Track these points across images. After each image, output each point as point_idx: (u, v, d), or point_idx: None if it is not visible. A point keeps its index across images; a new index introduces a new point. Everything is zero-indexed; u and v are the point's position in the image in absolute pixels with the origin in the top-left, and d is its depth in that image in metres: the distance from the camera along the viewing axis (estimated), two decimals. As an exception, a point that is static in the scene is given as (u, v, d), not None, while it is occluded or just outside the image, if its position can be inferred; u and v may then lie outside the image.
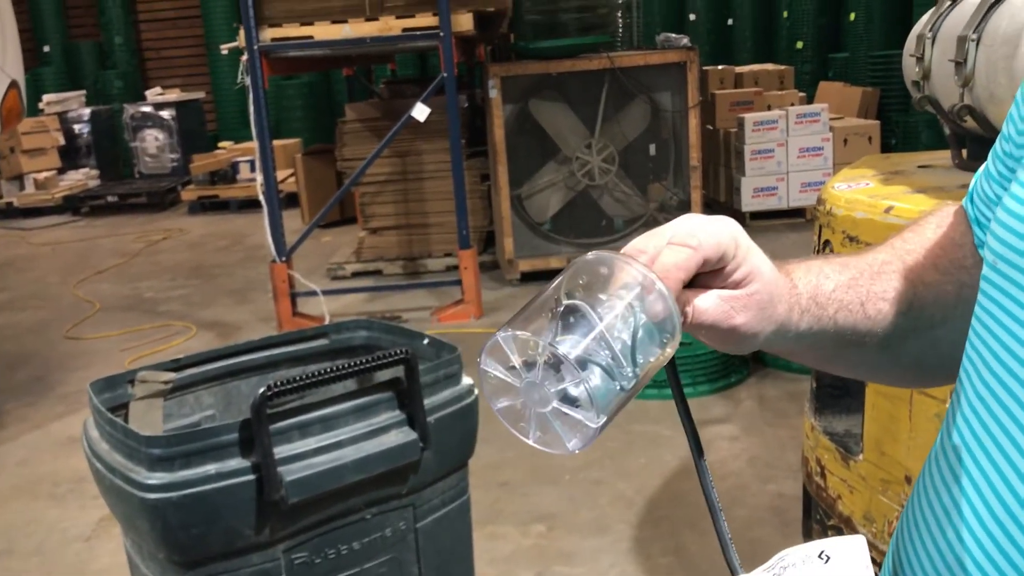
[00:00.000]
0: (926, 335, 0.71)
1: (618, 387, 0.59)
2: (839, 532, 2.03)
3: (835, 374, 0.78)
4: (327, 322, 4.87)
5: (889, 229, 1.74)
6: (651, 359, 0.61)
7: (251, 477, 1.42)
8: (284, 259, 4.96)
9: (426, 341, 1.78)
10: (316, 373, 1.49)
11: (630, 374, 0.59)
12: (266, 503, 1.42)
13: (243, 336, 5.04)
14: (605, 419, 0.59)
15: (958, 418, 0.60)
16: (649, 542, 2.89)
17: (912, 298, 0.71)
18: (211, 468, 1.41)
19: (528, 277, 5.70)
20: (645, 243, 0.65)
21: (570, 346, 0.57)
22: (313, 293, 5.01)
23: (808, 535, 2.22)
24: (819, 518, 2.14)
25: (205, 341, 5.00)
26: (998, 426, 0.55)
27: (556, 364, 0.58)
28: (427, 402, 1.58)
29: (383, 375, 1.63)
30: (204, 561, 1.43)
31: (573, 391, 0.58)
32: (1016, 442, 0.53)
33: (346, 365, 1.54)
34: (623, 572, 2.75)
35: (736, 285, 0.64)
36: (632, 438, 3.42)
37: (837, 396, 2.06)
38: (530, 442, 0.60)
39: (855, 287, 0.70)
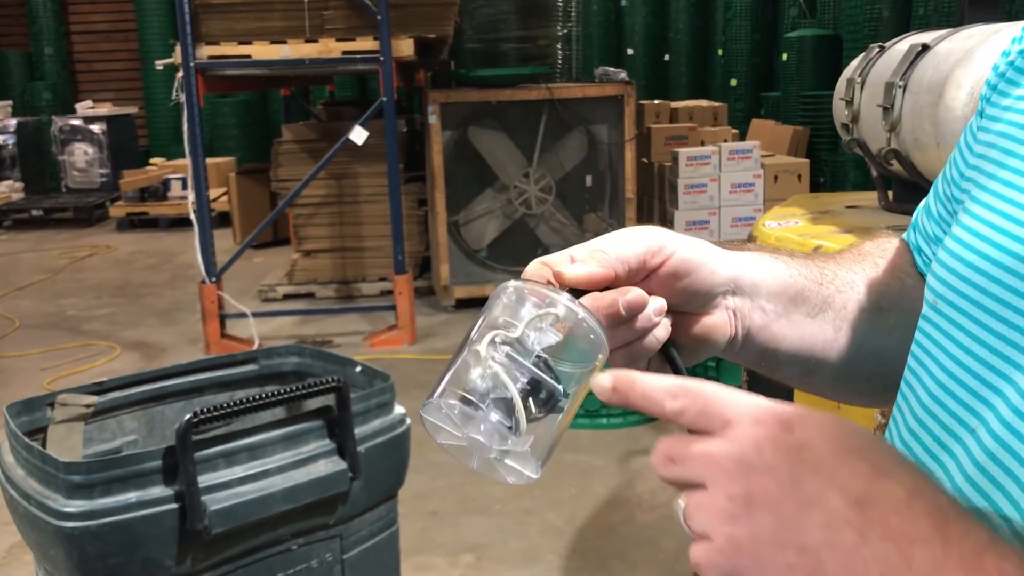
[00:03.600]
0: (879, 319, 0.71)
1: (555, 428, 0.59)
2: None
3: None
4: (256, 345, 4.80)
5: (818, 268, 1.79)
6: (582, 379, 0.60)
7: (173, 506, 1.38)
8: (214, 280, 4.87)
9: (359, 369, 1.76)
10: (244, 400, 1.46)
11: (564, 405, 0.59)
12: (188, 533, 1.38)
13: (169, 358, 4.92)
14: (543, 462, 0.59)
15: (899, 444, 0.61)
16: (578, 573, 2.88)
17: (858, 281, 0.72)
18: (132, 496, 1.37)
19: (463, 303, 5.69)
20: (551, 258, 0.65)
21: (498, 415, 0.57)
22: (243, 315, 4.93)
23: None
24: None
25: (129, 362, 4.87)
26: (925, 467, 0.56)
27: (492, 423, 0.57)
28: (358, 431, 1.56)
29: (313, 403, 1.61)
30: (121, 593, 1.38)
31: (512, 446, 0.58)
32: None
33: (275, 392, 1.51)
34: (551, 603, 2.74)
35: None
36: (563, 468, 3.42)
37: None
38: (473, 467, 0.60)
39: (794, 258, 0.72)
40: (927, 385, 0.59)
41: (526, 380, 0.58)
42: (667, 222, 6.79)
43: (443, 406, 0.57)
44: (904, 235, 0.79)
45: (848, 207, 2.19)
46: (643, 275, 0.64)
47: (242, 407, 1.47)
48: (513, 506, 3.23)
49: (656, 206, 7.06)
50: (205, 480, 1.41)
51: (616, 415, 3.72)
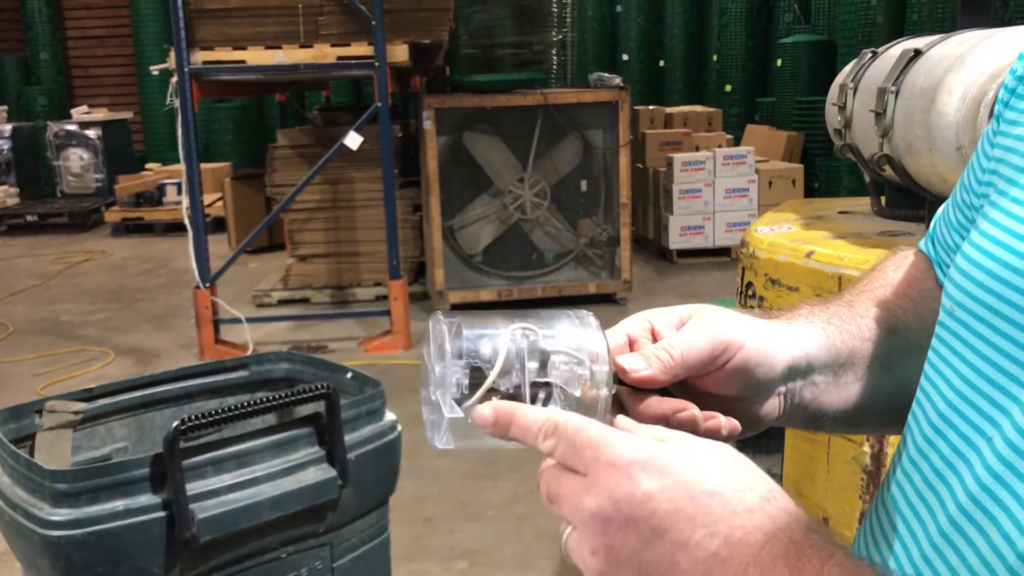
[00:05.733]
0: (918, 357, 0.69)
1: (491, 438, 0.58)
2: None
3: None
4: (251, 350, 4.78)
5: (810, 273, 1.78)
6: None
7: (161, 514, 1.37)
8: (208, 285, 4.86)
9: (349, 375, 1.75)
10: (232, 407, 1.45)
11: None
12: (176, 541, 1.37)
13: (163, 363, 4.91)
14: (456, 443, 0.58)
15: (899, 470, 0.60)
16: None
17: (894, 320, 0.70)
18: (119, 504, 1.36)
19: (458, 308, 5.67)
20: (640, 325, 0.63)
21: (464, 379, 0.57)
22: (237, 320, 4.92)
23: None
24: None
25: (123, 367, 4.86)
26: (940, 475, 0.55)
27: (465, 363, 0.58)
28: (348, 438, 1.55)
29: (303, 410, 1.60)
30: (108, 602, 1.37)
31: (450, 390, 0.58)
32: (955, 499, 0.53)
33: (264, 399, 1.50)
34: (545, 610, 2.73)
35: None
36: (557, 474, 3.41)
37: (758, 437, 2.08)
38: (420, 393, 0.59)
39: (838, 315, 0.70)
40: (944, 393, 0.58)
41: (512, 385, 0.58)
42: (662, 227, 6.79)
43: (443, 331, 0.58)
44: (921, 244, 0.77)
45: (841, 212, 2.19)
46: (708, 371, 0.61)
47: (230, 414, 1.46)
48: (507, 512, 3.22)
49: (651, 211, 7.07)
50: (193, 488, 1.40)
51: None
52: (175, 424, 1.39)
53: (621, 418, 0.55)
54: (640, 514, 0.47)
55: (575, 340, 0.60)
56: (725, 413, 0.61)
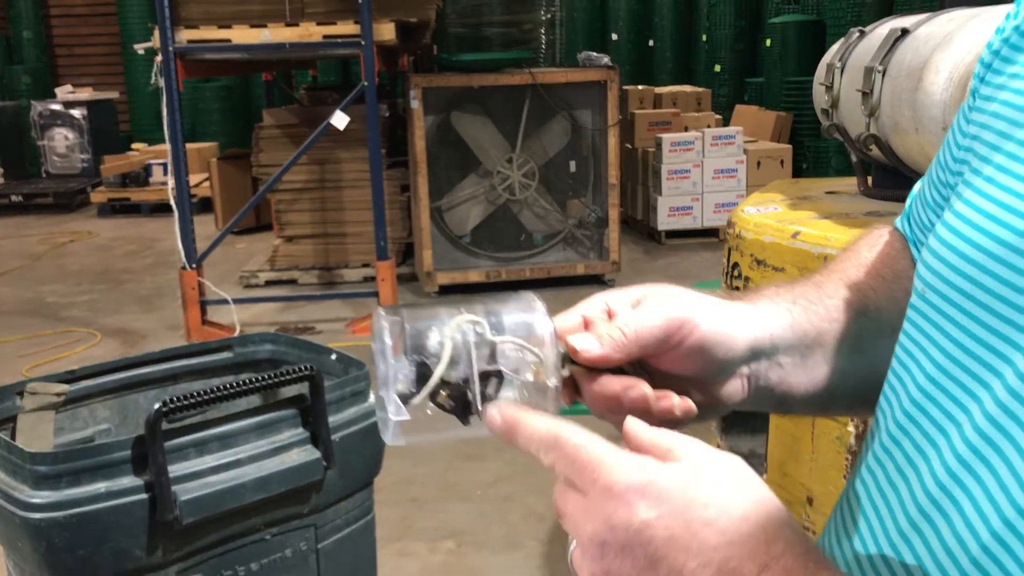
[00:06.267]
0: (889, 339, 0.68)
1: (447, 431, 0.58)
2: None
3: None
4: (238, 331, 4.77)
5: (796, 254, 1.78)
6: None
7: (143, 496, 1.36)
8: (194, 266, 4.84)
9: (334, 357, 1.74)
10: (215, 389, 1.44)
11: (473, 423, 0.58)
12: (159, 523, 1.36)
13: (149, 344, 4.89)
14: (408, 439, 0.58)
15: (870, 456, 0.59)
16: (559, 559, 2.88)
17: (865, 301, 0.69)
18: (101, 487, 1.35)
19: (447, 290, 5.67)
20: (594, 307, 0.62)
21: (411, 375, 0.57)
22: (224, 302, 4.90)
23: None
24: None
25: (110, 349, 4.84)
26: (910, 461, 0.54)
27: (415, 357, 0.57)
28: (332, 420, 1.54)
29: (287, 391, 1.59)
30: (91, 585, 1.36)
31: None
32: (923, 486, 0.53)
33: (247, 381, 1.49)
34: (532, 589, 2.74)
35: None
36: (544, 454, 3.41)
37: (743, 416, 2.08)
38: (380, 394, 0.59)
39: (804, 295, 0.69)
40: (916, 378, 0.57)
41: (461, 377, 0.57)
42: (650, 207, 6.79)
43: (384, 327, 0.57)
44: (896, 222, 0.76)
45: (827, 192, 2.18)
46: (663, 350, 0.61)
47: (212, 396, 1.45)
48: (494, 492, 3.22)
49: (640, 192, 7.06)
50: (176, 470, 1.39)
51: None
52: (156, 406, 1.38)
53: (630, 421, 0.53)
54: (636, 541, 0.47)
55: (522, 325, 0.59)
56: (685, 394, 0.60)
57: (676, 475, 0.48)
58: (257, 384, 1.50)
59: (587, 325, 0.62)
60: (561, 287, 5.76)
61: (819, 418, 1.74)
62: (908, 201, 0.75)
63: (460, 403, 0.57)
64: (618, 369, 0.60)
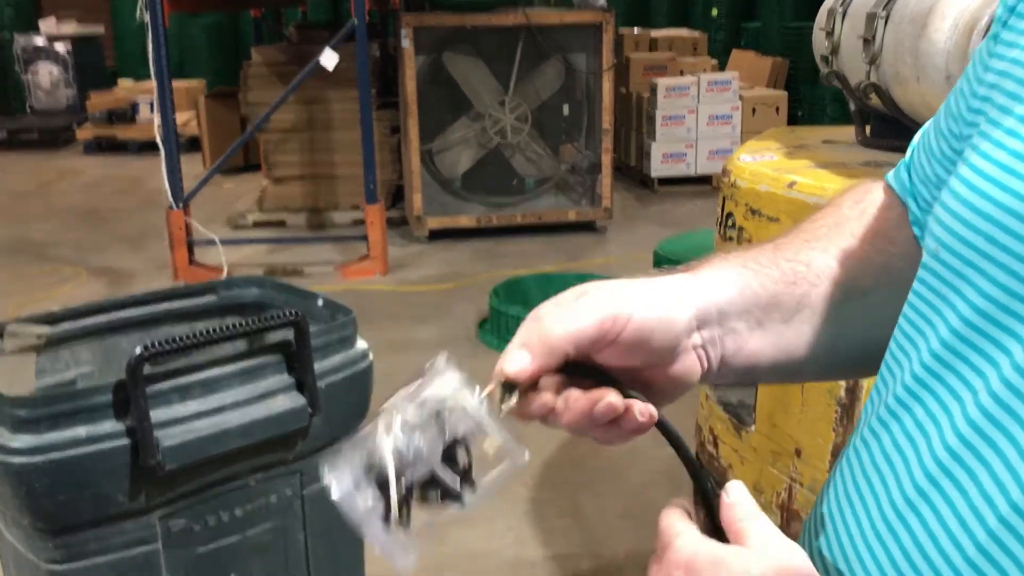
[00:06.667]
0: (860, 304, 0.66)
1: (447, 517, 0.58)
2: (729, 501, 2.05)
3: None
4: (225, 273, 4.73)
5: (791, 204, 1.75)
6: (499, 478, 0.59)
7: (125, 442, 1.34)
8: (181, 205, 4.78)
9: (320, 302, 1.71)
10: (198, 334, 1.41)
11: (467, 500, 0.57)
12: (141, 469, 1.35)
13: (137, 284, 4.85)
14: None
15: (874, 422, 0.56)
16: (546, 504, 2.89)
17: (834, 266, 0.66)
18: (81, 431, 1.33)
19: (437, 235, 5.63)
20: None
21: (374, 500, 0.56)
22: (212, 242, 4.85)
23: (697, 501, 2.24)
24: (710, 486, 2.16)
25: (96, 288, 4.80)
26: (920, 427, 0.52)
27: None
28: (318, 366, 1.52)
29: (273, 337, 1.56)
30: (72, 529, 1.35)
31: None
32: (933, 454, 0.50)
33: (232, 326, 1.47)
34: (519, 534, 2.76)
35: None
36: (533, 400, 3.41)
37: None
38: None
39: (757, 259, 0.66)
40: (930, 342, 0.54)
41: (424, 472, 0.56)
42: (644, 153, 6.73)
43: (333, 473, 0.57)
44: (890, 176, 0.72)
45: (824, 141, 2.15)
46: (601, 347, 0.59)
47: (196, 341, 1.42)
48: (482, 438, 3.22)
49: (633, 138, 6.99)
50: (158, 415, 1.37)
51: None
52: (138, 350, 1.35)
53: (734, 493, 0.56)
54: None
55: (444, 396, 0.58)
56: (641, 382, 0.60)
57: (713, 553, 0.53)
58: (242, 329, 1.48)
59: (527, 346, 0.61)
60: (553, 234, 5.73)
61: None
62: (909, 153, 0.71)
63: (446, 495, 0.57)
64: (576, 372, 0.59)
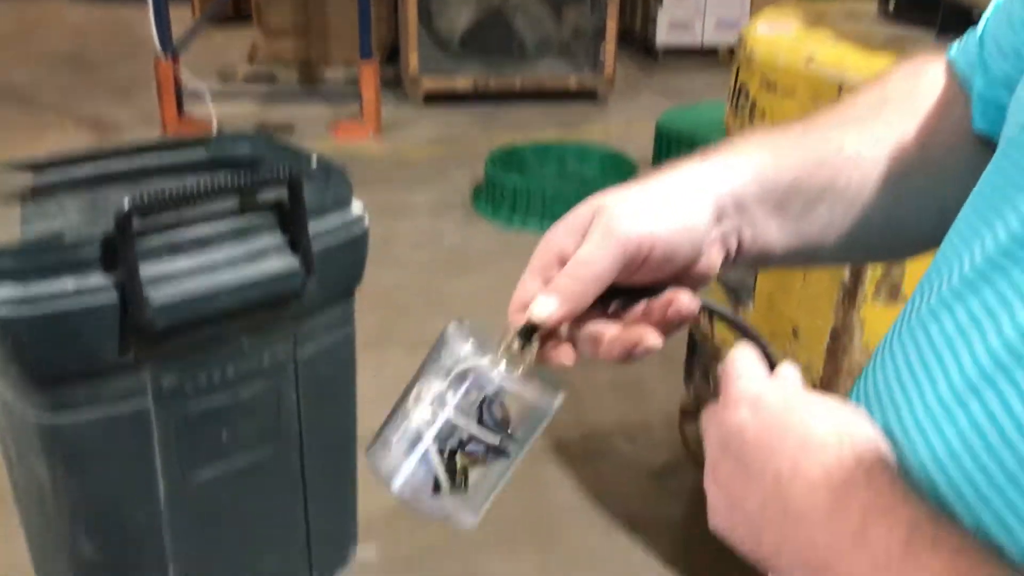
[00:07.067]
0: (889, 191, 0.62)
1: (498, 475, 0.58)
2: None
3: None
4: (215, 128, 4.62)
5: (809, 79, 1.67)
6: (535, 424, 0.59)
7: (114, 297, 1.31)
8: (170, 55, 4.62)
9: (315, 161, 1.65)
10: (190, 189, 1.36)
11: (512, 452, 0.58)
12: (131, 326, 1.32)
13: (124, 136, 4.74)
14: (479, 509, 0.58)
15: (923, 311, 0.52)
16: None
17: (866, 149, 0.62)
18: (69, 284, 1.29)
19: (432, 98, 5.49)
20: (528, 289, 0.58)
21: (424, 472, 0.57)
22: (201, 95, 4.72)
23: (690, 377, 2.26)
24: (703, 362, 2.16)
25: (81, 138, 4.69)
26: (989, 311, 0.47)
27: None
28: (312, 227, 1.48)
29: (266, 195, 1.51)
30: (61, 381, 1.33)
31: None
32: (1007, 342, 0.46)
33: (224, 182, 1.41)
34: (507, 401, 2.78)
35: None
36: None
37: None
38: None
39: (782, 143, 0.61)
40: (1010, 223, 0.48)
41: (459, 440, 0.56)
42: (650, 20, 6.51)
43: (377, 455, 0.58)
44: (955, 50, 0.65)
45: (846, 14, 2.05)
46: (624, 277, 0.56)
47: (187, 195, 1.37)
48: (475, 307, 3.22)
49: (639, 3, 6.75)
50: (148, 271, 1.33)
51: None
52: (127, 202, 1.30)
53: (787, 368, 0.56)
54: (734, 442, 0.52)
55: (465, 363, 0.58)
56: (657, 286, 0.58)
57: (783, 391, 0.52)
58: (234, 185, 1.42)
59: (545, 282, 0.58)
60: (552, 102, 5.58)
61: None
62: (982, 23, 0.64)
63: (488, 452, 0.57)
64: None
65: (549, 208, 3.81)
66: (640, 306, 0.58)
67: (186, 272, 1.36)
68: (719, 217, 0.58)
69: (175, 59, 4.66)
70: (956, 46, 0.66)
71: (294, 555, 1.70)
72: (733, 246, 0.60)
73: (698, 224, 0.57)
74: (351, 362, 1.69)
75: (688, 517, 2.37)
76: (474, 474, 0.57)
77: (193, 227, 1.39)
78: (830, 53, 1.68)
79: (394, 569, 2.14)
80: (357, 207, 1.58)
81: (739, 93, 1.86)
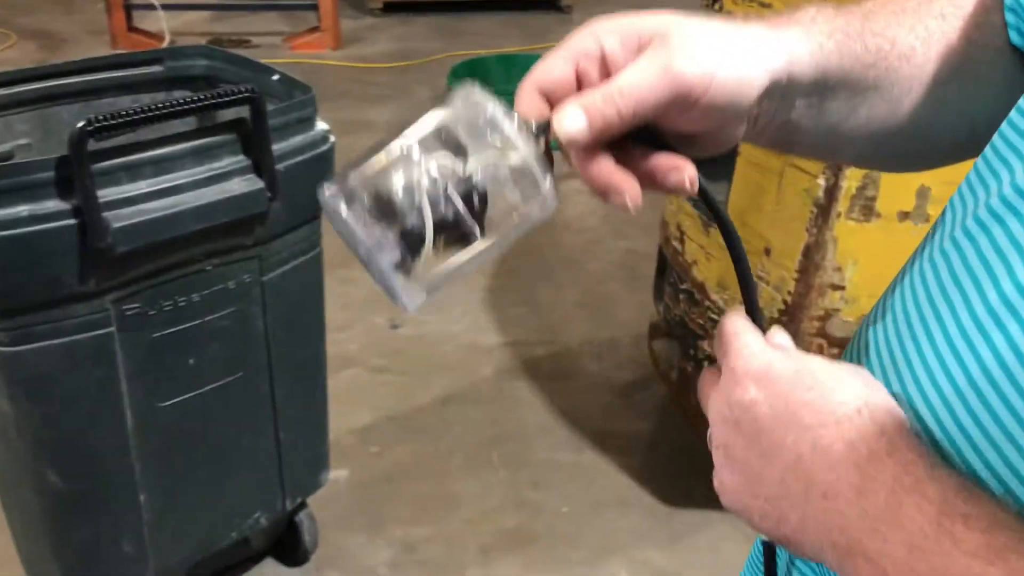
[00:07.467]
0: (931, 94, 0.59)
1: (459, 263, 0.52)
2: (690, 295, 2.06)
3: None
4: (167, 41, 4.45)
5: (786, -10, 1.63)
6: (519, 223, 0.53)
7: (71, 221, 1.26)
8: (117, -36, 4.43)
9: (276, 77, 1.59)
10: (147, 108, 1.30)
11: (480, 243, 0.52)
12: (90, 251, 1.27)
13: (70, 49, 4.56)
14: (429, 293, 0.52)
15: (960, 230, 0.50)
16: (502, 292, 2.90)
17: (918, 48, 0.58)
18: (23, 209, 1.24)
19: (392, 7, 5.33)
20: (559, 68, 0.52)
21: (400, 235, 0.50)
22: (151, 7, 4.54)
23: (660, 296, 2.25)
24: (672, 281, 2.16)
25: (26, 53, 4.51)
26: (1016, 241, 0.45)
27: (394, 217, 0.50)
28: (276, 148, 1.43)
29: (225, 115, 1.45)
30: (20, 311, 1.28)
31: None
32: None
33: (183, 100, 1.35)
34: (475, 320, 2.77)
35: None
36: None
37: (705, 161, 2.01)
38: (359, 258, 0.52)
39: (844, 29, 0.57)
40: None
41: (450, 213, 0.50)
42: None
43: (346, 196, 0.51)
44: None
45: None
46: (663, 115, 0.51)
47: (144, 114, 1.31)
48: (439, 224, 3.18)
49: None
50: (106, 195, 1.28)
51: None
52: (82, 123, 1.24)
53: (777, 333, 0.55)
54: (745, 418, 0.50)
55: (481, 130, 0.51)
56: (676, 135, 0.53)
57: (790, 363, 0.50)
58: (194, 104, 1.36)
59: (579, 80, 0.52)
60: (515, 12, 5.46)
61: (789, 169, 1.67)
62: None
63: (459, 238, 0.51)
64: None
65: (514, 123, 3.75)
66: (642, 154, 0.53)
67: (146, 195, 1.31)
68: (766, 94, 0.54)
69: (122, -32, 4.47)
70: None
71: (266, 480, 1.69)
72: (762, 124, 0.56)
73: (753, 89, 0.52)
74: (319, 285, 1.66)
75: (655, 432, 2.40)
76: (441, 255, 0.51)
77: (151, 148, 1.33)
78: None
79: (365, 491, 2.15)
80: (322, 125, 1.53)
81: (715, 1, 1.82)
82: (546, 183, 0.51)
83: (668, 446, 2.31)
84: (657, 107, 0.50)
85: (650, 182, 0.53)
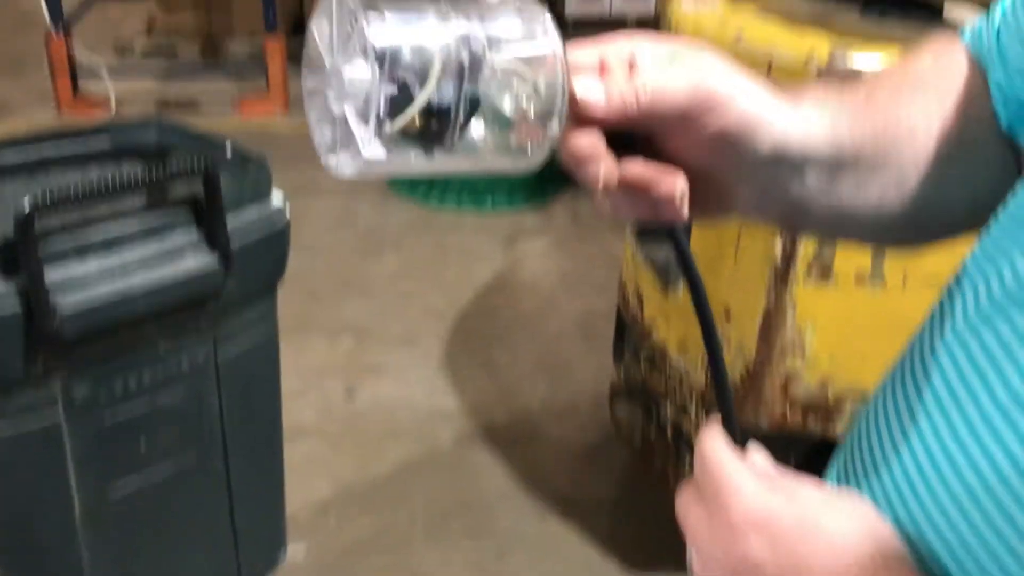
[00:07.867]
0: (934, 172, 0.59)
1: (421, 161, 0.48)
2: (651, 359, 2.05)
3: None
4: (114, 105, 4.41)
5: (739, 58, 1.65)
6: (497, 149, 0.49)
7: (16, 304, 1.21)
8: (62, 29, 4.38)
9: (229, 149, 1.56)
10: (96, 184, 1.27)
11: (450, 147, 0.48)
12: (37, 335, 1.23)
13: (16, 117, 4.49)
14: (370, 169, 0.47)
15: (950, 335, 0.49)
16: (458, 355, 2.87)
17: (919, 127, 0.58)
18: (-35, 293, 1.19)
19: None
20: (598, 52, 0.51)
21: (390, 94, 0.45)
22: (98, 73, 4.49)
23: (620, 357, 2.24)
24: (632, 343, 2.15)
25: (-31, 119, 4.42)
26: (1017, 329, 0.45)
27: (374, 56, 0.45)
28: (230, 222, 1.40)
29: (179, 189, 1.42)
30: (-38, 398, 1.23)
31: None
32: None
33: (133, 175, 1.32)
34: (432, 384, 2.74)
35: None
36: (445, 251, 3.33)
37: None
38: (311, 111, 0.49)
39: (852, 105, 0.57)
40: None
41: (444, 101, 0.46)
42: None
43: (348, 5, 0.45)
44: (967, 36, 0.62)
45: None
46: (675, 127, 0.50)
47: (94, 190, 1.28)
48: (394, 288, 3.15)
49: (548, -27, 6.69)
50: (53, 276, 1.24)
51: (501, 198, 3.61)
52: (28, 200, 1.20)
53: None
54: (739, 568, 0.49)
55: (523, 43, 0.48)
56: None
57: (789, 509, 0.49)
58: (145, 179, 1.33)
59: (602, 69, 0.51)
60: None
61: (745, 234, 1.68)
62: (998, 11, 0.60)
63: (430, 133, 0.47)
64: (625, 139, 0.51)
65: (468, 182, 3.74)
66: (634, 167, 0.51)
67: (95, 275, 1.27)
68: (776, 160, 0.53)
69: (67, 33, 4.43)
70: (970, 34, 0.62)
71: (222, 562, 1.63)
72: (766, 199, 0.55)
73: (768, 136, 0.52)
74: (275, 360, 1.62)
75: (621, 496, 2.37)
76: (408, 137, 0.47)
77: (101, 226, 1.30)
78: (759, 30, 1.66)
79: (324, 567, 2.08)
80: (277, 198, 1.50)
81: (665, 72, 1.83)
82: (555, 120, 0.49)
83: (634, 511, 2.28)
84: (674, 106, 0.49)
85: (640, 193, 0.51)
